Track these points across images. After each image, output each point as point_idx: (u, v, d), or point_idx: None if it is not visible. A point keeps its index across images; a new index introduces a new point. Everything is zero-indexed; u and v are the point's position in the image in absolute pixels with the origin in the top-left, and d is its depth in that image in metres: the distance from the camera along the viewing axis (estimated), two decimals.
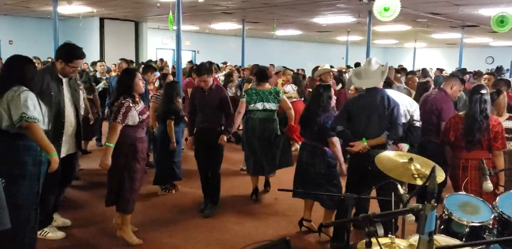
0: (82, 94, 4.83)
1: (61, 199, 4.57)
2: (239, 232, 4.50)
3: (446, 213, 2.92)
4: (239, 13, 12.95)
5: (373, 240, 1.84)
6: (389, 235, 2.13)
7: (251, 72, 9.30)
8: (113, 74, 9.05)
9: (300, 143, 5.40)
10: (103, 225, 4.53)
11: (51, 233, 4.13)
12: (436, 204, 1.68)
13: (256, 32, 18.61)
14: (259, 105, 5.34)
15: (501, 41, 20.48)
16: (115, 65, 9.67)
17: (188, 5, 10.91)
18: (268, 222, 4.81)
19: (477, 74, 9.53)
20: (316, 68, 8.35)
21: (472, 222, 2.83)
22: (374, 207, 4.08)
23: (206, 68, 4.97)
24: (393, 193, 2.63)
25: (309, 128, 4.39)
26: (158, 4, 11.08)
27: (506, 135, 4.09)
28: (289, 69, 9.95)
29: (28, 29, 15.09)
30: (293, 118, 5.55)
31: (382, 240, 2.03)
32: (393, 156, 2.99)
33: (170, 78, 6.13)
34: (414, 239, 2.26)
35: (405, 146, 4.41)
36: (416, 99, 5.28)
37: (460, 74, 9.18)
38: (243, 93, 5.62)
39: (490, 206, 2.96)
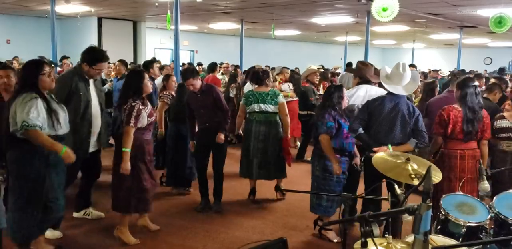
0: None
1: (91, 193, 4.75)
2: (236, 232, 4.49)
3: (443, 213, 2.92)
4: (237, 13, 12.94)
5: (369, 240, 1.84)
6: (385, 235, 2.12)
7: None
8: (113, 74, 8.98)
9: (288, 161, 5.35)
10: (103, 224, 4.54)
11: (49, 232, 4.13)
12: (431, 203, 1.68)
13: (254, 32, 18.60)
14: (256, 107, 5.27)
15: (499, 42, 20.49)
16: (114, 64, 9.61)
17: (186, 5, 10.90)
18: (266, 222, 4.80)
19: (478, 77, 9.48)
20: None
21: (469, 222, 2.84)
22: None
23: (191, 71, 4.93)
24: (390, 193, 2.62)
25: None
26: (156, 4, 11.07)
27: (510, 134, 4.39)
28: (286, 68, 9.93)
29: (26, 28, 15.05)
30: (288, 126, 5.35)
31: (378, 240, 2.03)
32: (390, 157, 2.99)
33: (174, 79, 6.06)
34: (411, 239, 2.26)
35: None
36: (424, 98, 5.35)
37: (460, 75, 9.16)
38: (243, 96, 5.62)
39: (487, 206, 2.96)
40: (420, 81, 7.94)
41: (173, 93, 5.86)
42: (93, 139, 4.32)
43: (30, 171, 3.45)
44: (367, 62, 5.09)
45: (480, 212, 2.93)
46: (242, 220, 4.85)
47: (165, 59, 17.46)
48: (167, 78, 6.08)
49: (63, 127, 3.59)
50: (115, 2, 11.60)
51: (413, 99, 6.13)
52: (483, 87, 6.93)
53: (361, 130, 3.93)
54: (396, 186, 2.57)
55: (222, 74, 10.46)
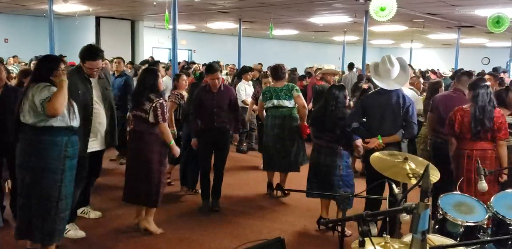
0: None
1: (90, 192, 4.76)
2: (233, 231, 4.49)
3: (441, 212, 2.91)
4: (235, 13, 12.92)
5: (367, 239, 1.83)
6: (383, 235, 2.12)
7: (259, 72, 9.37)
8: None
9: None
10: (103, 224, 4.53)
11: (72, 231, 4.13)
12: (430, 203, 1.67)
13: (252, 31, 18.58)
14: (271, 102, 5.47)
15: (497, 42, 20.49)
16: (111, 61, 9.55)
17: (184, 4, 10.87)
18: (263, 222, 4.80)
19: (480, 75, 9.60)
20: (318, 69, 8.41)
21: (466, 222, 2.83)
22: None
23: (218, 66, 5.23)
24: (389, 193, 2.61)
25: (327, 130, 4.41)
26: (154, 3, 11.03)
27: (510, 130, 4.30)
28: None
29: (23, 27, 15.00)
30: (305, 117, 5.53)
31: (376, 240, 2.02)
32: (387, 156, 2.99)
33: (184, 77, 5.93)
34: (409, 238, 2.25)
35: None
36: (428, 97, 5.40)
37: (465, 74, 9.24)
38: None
39: (485, 206, 2.96)
40: (424, 81, 8.04)
41: (182, 93, 5.80)
42: (95, 138, 4.24)
43: (49, 162, 3.39)
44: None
45: (478, 211, 2.92)
46: (239, 219, 4.84)
47: (163, 58, 17.42)
48: (177, 77, 5.96)
49: (77, 118, 3.55)
50: (113, 1, 11.57)
51: (419, 96, 6.19)
52: None
53: (355, 124, 4.13)
54: (394, 186, 2.56)
55: (227, 74, 10.38)
